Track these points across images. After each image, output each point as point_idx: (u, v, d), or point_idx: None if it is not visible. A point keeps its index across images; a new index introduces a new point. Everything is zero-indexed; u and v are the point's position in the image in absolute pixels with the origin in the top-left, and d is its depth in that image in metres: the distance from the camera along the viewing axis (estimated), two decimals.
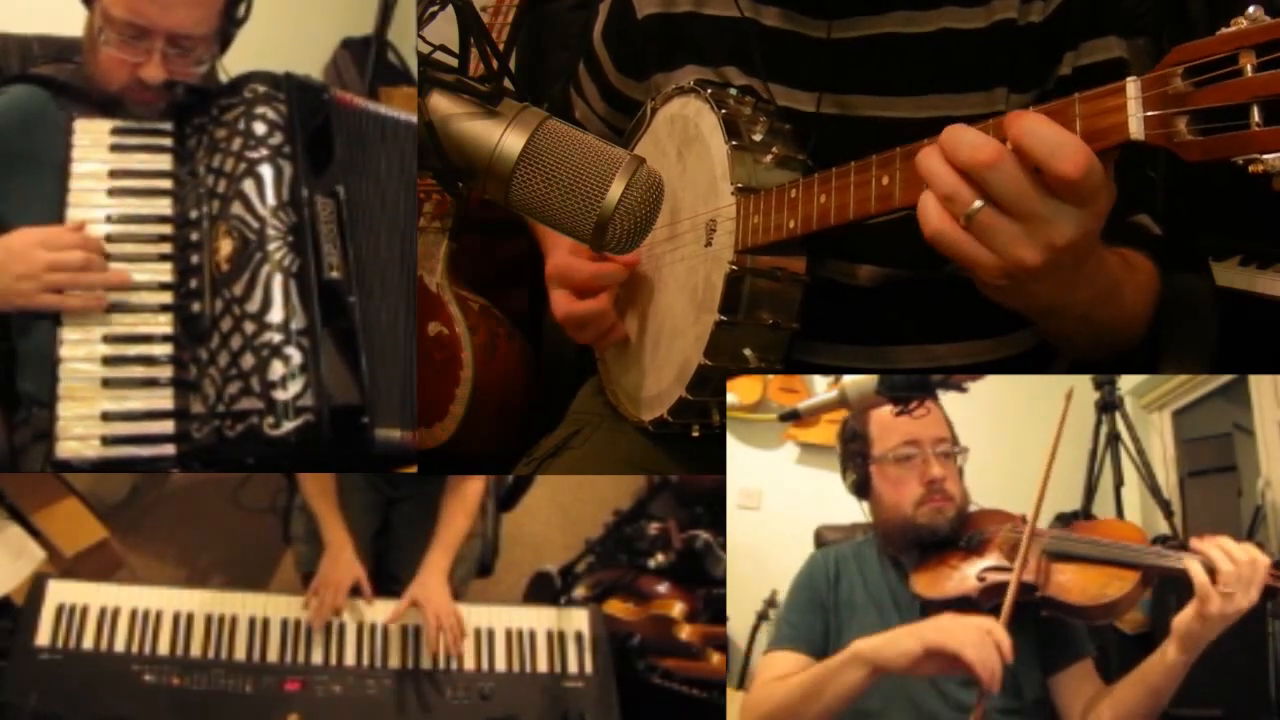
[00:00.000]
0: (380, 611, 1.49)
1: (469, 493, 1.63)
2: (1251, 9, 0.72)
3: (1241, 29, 0.72)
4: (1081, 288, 0.91)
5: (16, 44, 1.57)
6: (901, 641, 1.02)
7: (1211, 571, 1.00)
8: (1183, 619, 1.01)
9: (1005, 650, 0.97)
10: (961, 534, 1.22)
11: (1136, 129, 0.78)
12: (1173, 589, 1.14)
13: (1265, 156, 0.71)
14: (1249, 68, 0.72)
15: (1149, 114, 0.77)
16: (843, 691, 1.05)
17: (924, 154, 0.86)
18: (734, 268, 1.14)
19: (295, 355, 1.24)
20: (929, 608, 1.18)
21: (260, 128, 1.31)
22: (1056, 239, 0.82)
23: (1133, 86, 0.78)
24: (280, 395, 1.22)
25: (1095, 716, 1.11)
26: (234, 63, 1.39)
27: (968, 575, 1.17)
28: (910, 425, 1.23)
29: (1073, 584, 1.11)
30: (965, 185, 0.83)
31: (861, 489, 1.29)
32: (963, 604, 1.15)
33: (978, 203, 0.82)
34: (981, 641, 0.97)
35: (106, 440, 1.23)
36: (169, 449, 1.25)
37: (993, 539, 1.20)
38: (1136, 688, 1.07)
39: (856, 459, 1.28)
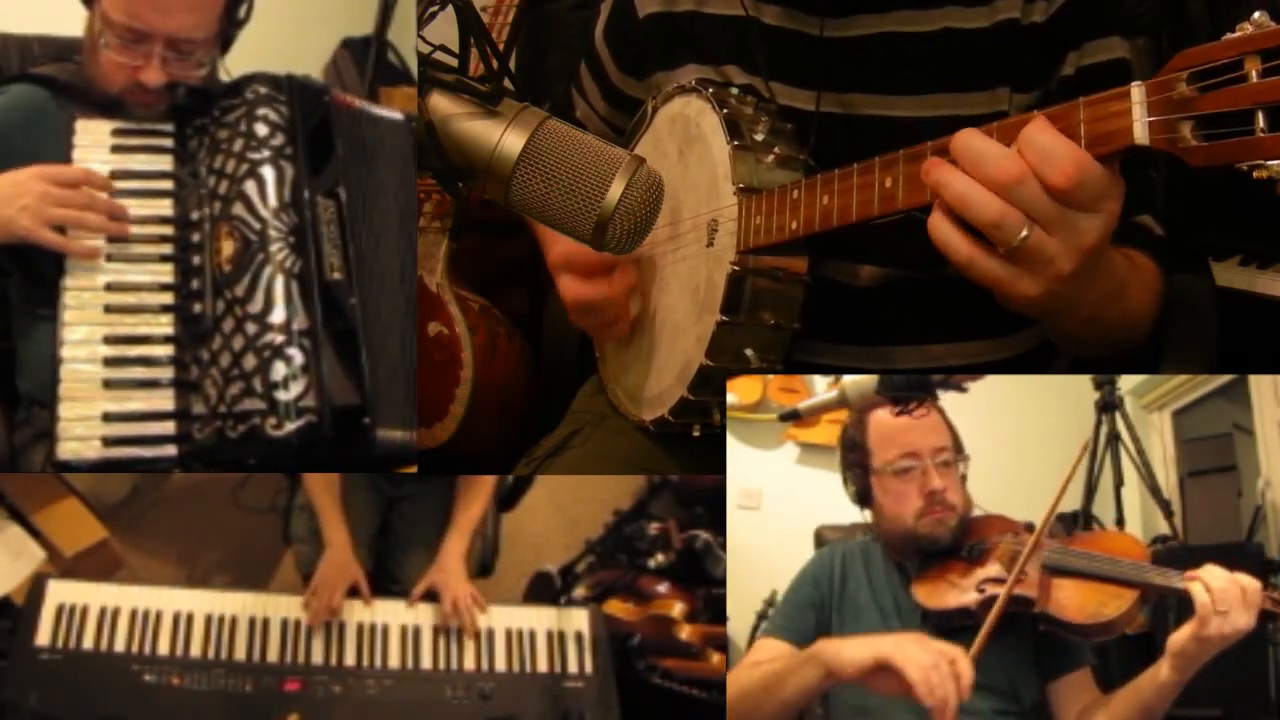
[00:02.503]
0: (380, 611, 1.49)
1: (484, 480, 1.64)
2: (1257, 14, 0.72)
3: (1247, 34, 0.72)
4: (1093, 288, 0.91)
5: (16, 44, 1.57)
6: (855, 649, 1.00)
7: (1207, 591, 0.99)
8: (1178, 639, 1.00)
9: (964, 683, 0.94)
10: (963, 542, 1.22)
11: (1141, 134, 0.78)
12: (1173, 595, 1.13)
13: (1269, 163, 0.71)
14: (1254, 73, 0.72)
15: (1153, 119, 0.77)
16: (799, 688, 1.04)
17: (950, 177, 0.84)
18: (735, 268, 1.14)
19: (297, 356, 1.24)
20: (929, 617, 1.18)
21: (262, 129, 1.31)
22: (1085, 242, 0.82)
23: (1137, 91, 0.78)
24: (282, 396, 1.22)
25: None
26: (234, 63, 1.39)
27: (968, 587, 1.17)
28: (910, 435, 1.23)
29: (1070, 601, 1.11)
30: (1013, 210, 0.81)
31: (863, 499, 1.29)
32: (962, 616, 1.15)
33: (1025, 230, 0.81)
34: (934, 666, 0.94)
35: (108, 441, 1.23)
36: (170, 450, 1.25)
37: (994, 549, 1.20)
38: (1130, 702, 1.06)
39: (856, 469, 1.28)
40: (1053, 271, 0.83)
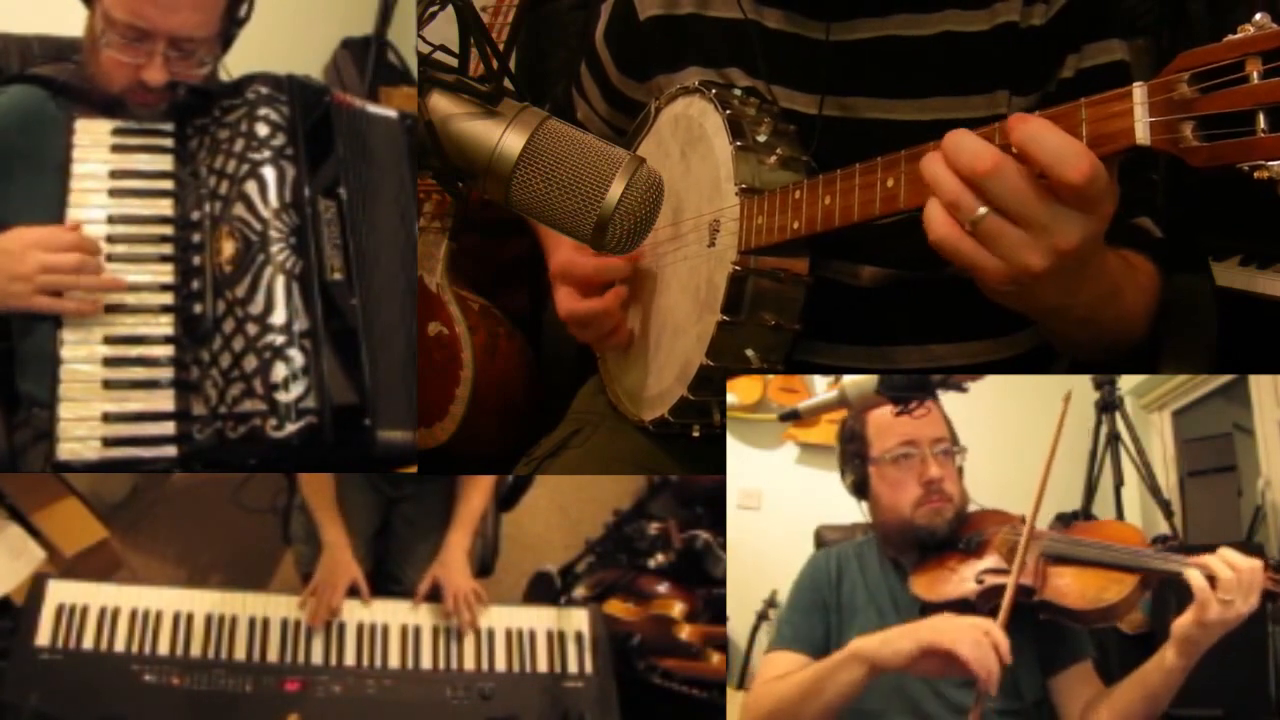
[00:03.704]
0: (380, 611, 1.49)
1: (485, 477, 1.64)
2: (1258, 16, 0.72)
3: (1248, 35, 0.72)
4: (1084, 290, 0.92)
5: (16, 44, 1.57)
6: (898, 641, 1.02)
7: (1211, 579, 0.99)
8: (1182, 624, 1.00)
9: (1003, 651, 0.97)
10: (961, 535, 1.22)
11: (1142, 134, 0.78)
12: (1173, 589, 1.14)
13: (1270, 163, 0.72)
14: (1255, 74, 0.72)
15: (1155, 119, 0.77)
16: (842, 690, 1.05)
17: (928, 160, 0.86)
18: (737, 268, 1.14)
19: (298, 357, 1.24)
20: (928, 610, 1.18)
21: (263, 129, 1.31)
22: (1061, 244, 0.82)
23: (1139, 92, 0.78)
24: (283, 397, 1.22)
25: (1094, 719, 1.11)
26: (234, 63, 1.39)
27: (966, 578, 1.17)
28: (908, 426, 1.23)
29: (1070, 587, 1.10)
30: (969, 191, 0.83)
31: (860, 489, 1.29)
32: (961, 607, 1.15)
33: (981, 209, 0.83)
34: (979, 641, 0.97)
35: (107, 441, 1.23)
36: (170, 450, 1.25)
37: (991, 540, 1.20)
38: (1134, 691, 1.07)
39: (854, 460, 1.28)
40: (1020, 263, 0.83)
